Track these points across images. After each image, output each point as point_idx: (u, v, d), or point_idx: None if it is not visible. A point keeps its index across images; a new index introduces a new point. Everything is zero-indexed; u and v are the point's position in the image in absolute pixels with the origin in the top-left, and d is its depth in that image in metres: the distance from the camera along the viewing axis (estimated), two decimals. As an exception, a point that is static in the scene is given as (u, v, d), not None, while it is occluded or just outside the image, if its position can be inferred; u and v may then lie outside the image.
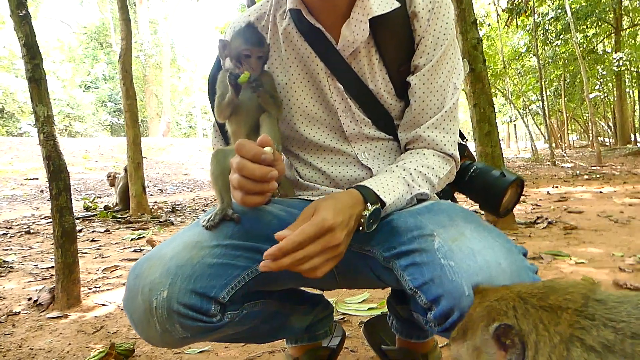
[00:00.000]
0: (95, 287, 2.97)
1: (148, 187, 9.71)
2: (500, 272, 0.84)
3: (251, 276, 1.05)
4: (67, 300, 2.57)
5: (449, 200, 1.23)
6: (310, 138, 1.23)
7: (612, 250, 3.06)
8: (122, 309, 2.52)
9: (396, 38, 1.15)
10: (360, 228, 0.97)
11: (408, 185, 1.06)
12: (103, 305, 2.61)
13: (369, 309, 2.30)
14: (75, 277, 2.62)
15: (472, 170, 1.31)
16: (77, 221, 6.06)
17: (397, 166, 1.11)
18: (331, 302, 1.54)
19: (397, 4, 1.12)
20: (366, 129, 1.21)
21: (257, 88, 1.10)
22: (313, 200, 0.99)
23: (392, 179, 1.05)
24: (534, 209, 5.24)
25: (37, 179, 11.79)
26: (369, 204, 0.97)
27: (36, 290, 2.84)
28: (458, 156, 1.21)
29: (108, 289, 2.93)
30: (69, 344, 2.08)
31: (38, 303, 2.62)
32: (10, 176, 11.92)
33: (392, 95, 1.19)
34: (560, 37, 16.96)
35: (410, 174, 1.08)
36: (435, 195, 1.22)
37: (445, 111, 1.16)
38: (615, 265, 2.69)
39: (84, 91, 34.18)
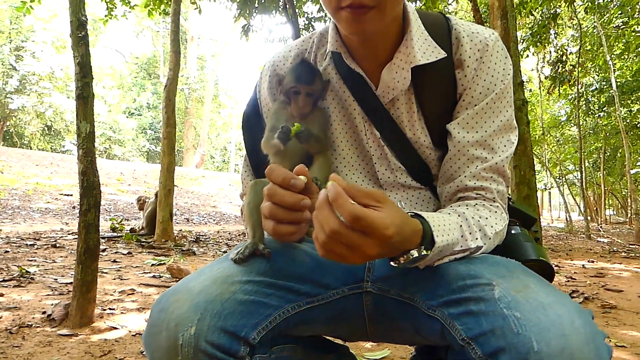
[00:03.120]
0: (110, 309, 2.92)
1: (175, 215, 9.81)
2: (574, 331, 0.73)
3: (283, 317, 0.97)
4: (80, 318, 2.53)
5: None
6: (347, 180, 1.18)
7: (656, 337, 2.84)
8: (132, 335, 2.46)
9: (438, 87, 1.09)
10: (395, 263, 0.86)
11: (462, 235, 0.95)
12: (114, 328, 2.55)
13: (389, 365, 2.16)
14: (92, 296, 2.59)
15: (510, 231, 1.20)
16: (102, 240, 6.13)
17: (453, 211, 1.01)
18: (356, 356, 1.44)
19: (443, 54, 1.06)
20: (402, 178, 1.15)
21: (305, 140, 1.05)
22: None
23: (449, 222, 0.92)
24: (568, 281, 4.99)
25: (71, 195, 12.08)
26: (422, 247, 0.85)
27: (52, 304, 2.81)
28: (507, 213, 1.11)
29: (122, 312, 2.88)
30: (75, 364, 2.01)
31: (51, 318, 2.58)
32: (47, 190, 12.27)
33: (430, 145, 1.12)
34: (603, 109, 16.75)
35: (467, 220, 0.97)
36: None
37: (496, 163, 1.07)
38: (660, 353, 2.47)
39: (127, 117, 35.49)
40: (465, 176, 1.07)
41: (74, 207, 10.71)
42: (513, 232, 1.18)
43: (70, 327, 2.50)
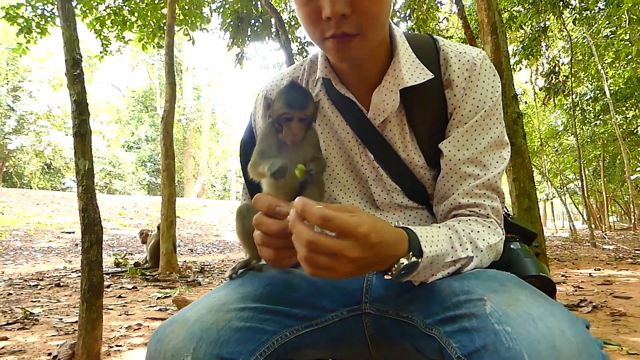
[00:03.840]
0: (117, 346, 2.89)
1: (179, 246, 9.78)
2: (564, 341, 0.73)
3: (280, 342, 0.97)
4: (86, 357, 2.49)
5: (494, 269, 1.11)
6: (344, 203, 1.19)
7: (668, 343, 2.80)
8: (140, 371, 2.43)
9: (428, 107, 1.11)
10: (389, 275, 0.85)
11: (452, 247, 0.95)
12: (122, 365, 2.52)
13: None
14: (98, 334, 2.56)
15: (509, 247, 1.20)
16: (106, 276, 6.10)
17: (444, 225, 1.01)
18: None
19: (431, 75, 1.08)
20: (398, 198, 1.16)
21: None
22: None
23: (437, 234, 0.94)
24: (575, 291, 4.94)
25: (73, 232, 12.06)
26: (411, 253, 0.85)
27: (57, 345, 2.78)
28: (503, 229, 1.11)
29: (129, 349, 2.85)
30: (83, 405, 1.98)
31: (58, 359, 2.56)
32: (48, 229, 12.24)
33: (424, 165, 1.13)
34: (599, 117, 16.84)
35: (457, 232, 0.98)
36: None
37: (488, 179, 1.07)
38: (674, 360, 2.44)
39: (126, 151, 35.66)
40: (458, 194, 1.08)
41: (76, 245, 10.67)
42: (513, 247, 1.19)
43: (76, 367, 2.47)
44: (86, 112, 2.77)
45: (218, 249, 12.27)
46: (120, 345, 2.90)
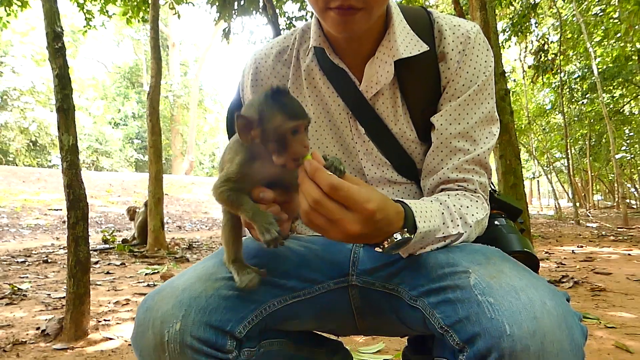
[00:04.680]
0: (105, 320, 2.91)
1: (167, 223, 9.75)
2: (545, 312, 0.76)
3: (269, 311, 0.99)
4: (74, 331, 2.52)
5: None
6: None
7: (644, 316, 2.89)
8: (129, 344, 2.45)
9: (422, 80, 1.10)
10: (379, 248, 0.87)
11: (444, 222, 0.97)
12: (110, 339, 2.54)
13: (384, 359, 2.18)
14: (85, 309, 2.58)
15: (494, 223, 1.21)
16: (94, 253, 6.11)
17: (435, 199, 1.02)
18: (349, 351, 1.45)
19: (426, 47, 1.08)
20: (387, 173, 1.16)
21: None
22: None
23: (430, 208, 0.94)
24: (558, 267, 5.05)
25: (60, 209, 11.95)
26: (405, 229, 0.87)
27: (45, 319, 2.79)
28: (488, 204, 1.13)
29: (117, 323, 2.87)
30: (72, 378, 2.01)
31: (46, 333, 2.57)
32: (35, 206, 12.13)
33: (415, 139, 1.13)
34: (587, 96, 16.92)
35: (449, 207, 1.00)
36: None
37: (478, 155, 1.08)
38: (648, 332, 2.52)
39: (113, 128, 35.17)
40: (447, 168, 1.09)
41: (63, 222, 10.59)
42: (497, 223, 1.20)
43: (65, 341, 2.49)
44: (69, 87, 2.73)
45: (206, 226, 12.27)
46: (108, 320, 2.92)
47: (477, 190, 1.09)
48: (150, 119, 6.43)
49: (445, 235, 0.98)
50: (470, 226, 1.02)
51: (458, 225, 0.99)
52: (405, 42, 1.08)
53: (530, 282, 0.83)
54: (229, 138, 1.30)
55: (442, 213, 0.98)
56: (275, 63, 1.21)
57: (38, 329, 2.66)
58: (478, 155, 1.09)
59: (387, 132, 1.14)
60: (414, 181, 1.18)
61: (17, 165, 25.24)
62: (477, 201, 1.07)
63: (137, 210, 7.20)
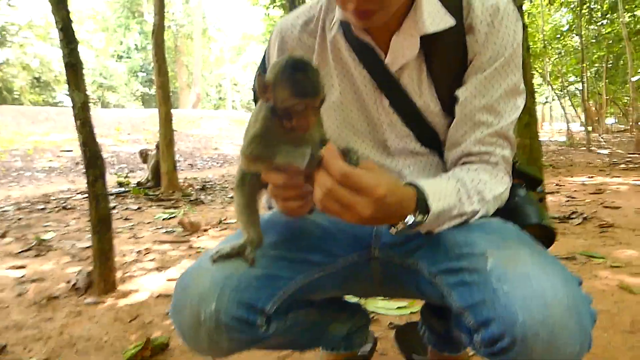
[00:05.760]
0: (130, 272, 3.04)
1: (178, 161, 9.86)
2: (556, 302, 0.80)
3: (295, 287, 1.05)
4: (103, 286, 2.64)
5: (498, 218, 1.13)
6: (357, 147, 1.20)
7: (651, 255, 2.96)
8: (156, 297, 2.59)
9: (449, 54, 1.09)
10: (392, 230, 0.91)
11: (460, 199, 0.98)
12: (137, 291, 2.68)
13: (398, 307, 2.28)
14: (111, 264, 2.69)
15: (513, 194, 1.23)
16: (111, 197, 6.22)
17: (452, 175, 1.04)
18: (367, 310, 1.53)
19: (452, 22, 1.05)
20: (411, 144, 1.17)
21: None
22: None
23: (445, 187, 0.97)
24: (568, 201, 5.10)
25: (71, 150, 12.10)
26: (418, 212, 0.89)
27: (75, 272, 2.93)
28: (511, 177, 1.14)
29: (142, 274, 3.01)
30: (107, 332, 2.14)
31: (76, 287, 2.71)
32: (47, 147, 12.27)
33: (439, 112, 1.13)
34: (606, 16, 16.18)
35: (465, 184, 1.01)
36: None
37: (501, 128, 1.08)
38: (653, 273, 2.59)
39: (116, 61, 34.62)
40: (470, 142, 1.09)
41: (77, 164, 10.76)
42: (516, 195, 1.22)
43: (96, 294, 2.62)
44: (74, 41, 2.67)
45: (218, 163, 12.41)
46: (133, 271, 3.06)
47: (499, 162, 1.10)
48: (157, 60, 6.32)
49: (461, 213, 1.00)
50: (488, 202, 1.04)
51: (474, 202, 1.01)
52: (432, 16, 1.05)
53: (544, 269, 0.86)
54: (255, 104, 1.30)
55: (459, 190, 1.00)
56: (301, 34, 1.20)
57: (68, 282, 2.80)
58: (501, 128, 1.09)
59: (412, 105, 1.14)
60: (436, 152, 1.20)
61: (22, 103, 25.20)
62: (497, 175, 1.09)
63: (150, 152, 7.27)
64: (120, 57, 35.26)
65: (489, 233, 0.99)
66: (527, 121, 3.95)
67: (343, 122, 1.20)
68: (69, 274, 3.00)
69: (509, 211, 1.15)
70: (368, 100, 1.16)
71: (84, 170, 2.69)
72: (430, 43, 1.07)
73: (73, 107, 2.67)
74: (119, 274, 2.85)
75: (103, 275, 2.65)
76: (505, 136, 1.10)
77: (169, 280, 2.86)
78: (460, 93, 1.09)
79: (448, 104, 1.12)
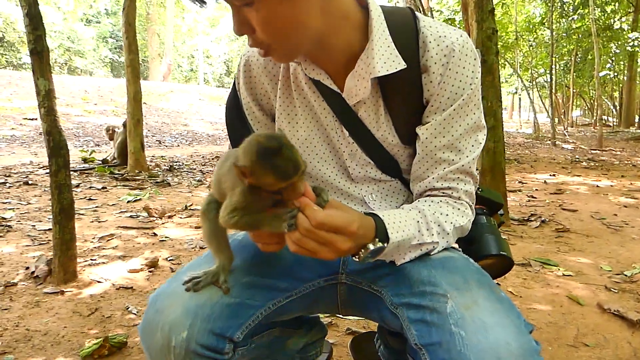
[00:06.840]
0: (91, 260, 3.02)
1: (146, 136, 9.66)
2: (508, 353, 0.85)
3: (264, 314, 1.09)
4: (63, 275, 2.62)
5: (461, 253, 1.19)
6: (321, 175, 1.23)
7: (600, 262, 3.12)
8: (116, 289, 2.58)
9: (404, 92, 1.11)
10: (356, 258, 0.96)
11: (419, 231, 1.04)
12: (98, 282, 2.67)
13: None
14: (72, 253, 2.66)
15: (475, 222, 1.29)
16: (74, 174, 6.10)
17: (414, 207, 1.09)
18: (323, 323, 1.59)
19: (403, 65, 1.06)
20: (371, 172, 1.21)
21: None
22: None
23: (405, 218, 1.02)
24: (529, 201, 5.29)
25: (35, 119, 11.69)
26: (377, 239, 0.95)
27: (34, 257, 2.89)
28: (473, 210, 1.19)
29: (103, 262, 2.99)
30: (65, 327, 2.14)
31: (35, 275, 2.67)
32: (9, 114, 11.81)
33: (398, 143, 1.17)
34: (578, 11, 16.49)
35: (425, 216, 1.06)
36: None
37: (463, 165, 1.12)
38: (602, 282, 2.74)
39: (85, 25, 33.28)
40: (433, 178, 1.13)
41: (40, 134, 10.41)
42: (477, 222, 1.27)
43: (55, 283, 2.59)
44: (41, 27, 2.59)
45: (186, 141, 12.22)
46: (94, 259, 3.03)
47: (461, 197, 1.14)
48: (127, 36, 6.14)
49: (421, 243, 1.05)
50: (448, 233, 1.08)
51: (433, 234, 1.06)
52: (384, 59, 1.06)
53: (500, 319, 0.91)
54: (228, 131, 1.31)
55: (418, 222, 1.04)
56: (266, 62, 1.20)
57: (27, 268, 2.76)
58: (463, 165, 1.12)
59: (370, 136, 1.16)
60: (397, 178, 1.23)
61: (-15, 64, 24.05)
62: (459, 208, 1.13)
63: (116, 130, 7.10)
64: (89, 21, 33.92)
65: (452, 272, 1.03)
66: (493, 124, 4.04)
67: (307, 148, 1.22)
68: (28, 259, 2.96)
69: (470, 240, 1.23)
70: (329, 129, 1.19)
71: (47, 160, 2.64)
72: (386, 82, 1.09)
73: (37, 94, 2.61)
74: (80, 261, 2.83)
75: (63, 265, 2.62)
76: (467, 172, 1.14)
77: (130, 271, 2.86)
78: (421, 132, 1.11)
79: (406, 137, 1.15)
